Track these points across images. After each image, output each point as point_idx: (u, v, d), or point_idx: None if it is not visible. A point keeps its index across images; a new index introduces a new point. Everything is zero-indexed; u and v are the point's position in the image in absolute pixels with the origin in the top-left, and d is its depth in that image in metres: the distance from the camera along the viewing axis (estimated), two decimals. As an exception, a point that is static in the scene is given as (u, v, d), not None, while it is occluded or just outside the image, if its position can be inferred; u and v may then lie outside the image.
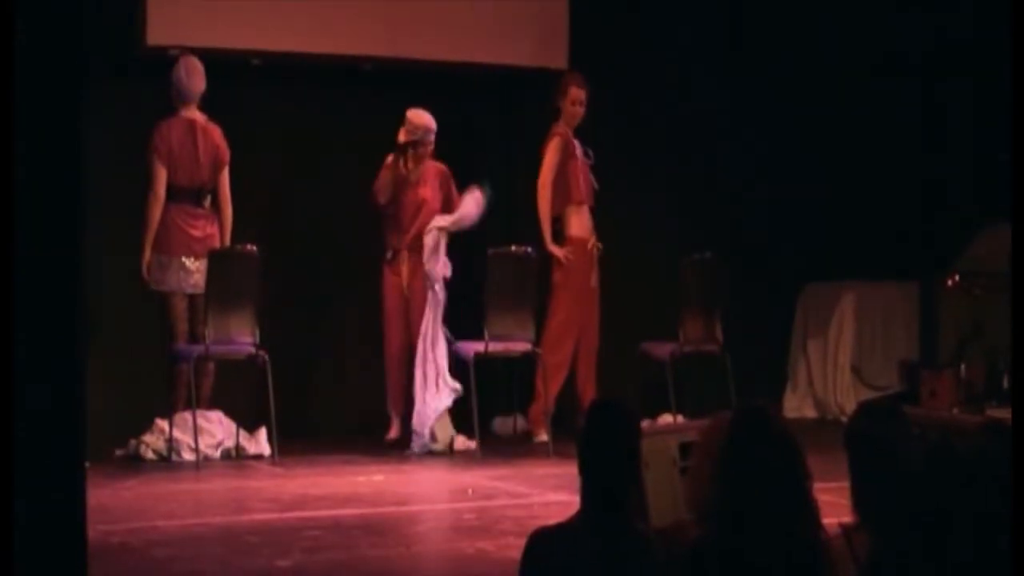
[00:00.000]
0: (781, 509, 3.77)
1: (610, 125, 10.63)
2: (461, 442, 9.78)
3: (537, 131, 10.25)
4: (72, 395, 3.90)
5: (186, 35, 9.78)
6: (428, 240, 9.75)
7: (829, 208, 11.69)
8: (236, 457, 9.42)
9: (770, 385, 11.40)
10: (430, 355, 9.68)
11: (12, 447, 3.74)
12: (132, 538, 7.03)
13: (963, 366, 10.62)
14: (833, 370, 11.54)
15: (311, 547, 6.89)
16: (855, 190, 11.69)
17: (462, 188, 9.99)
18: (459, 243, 9.88)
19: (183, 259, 9.45)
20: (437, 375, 9.66)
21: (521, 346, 9.85)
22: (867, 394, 11.16)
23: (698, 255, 10.34)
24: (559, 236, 10.21)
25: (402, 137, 9.82)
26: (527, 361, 10.07)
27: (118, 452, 9.32)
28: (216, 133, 9.56)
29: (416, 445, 9.67)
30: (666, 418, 10.10)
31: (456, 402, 9.72)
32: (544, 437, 9.94)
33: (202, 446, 9.22)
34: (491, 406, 10.40)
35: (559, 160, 10.17)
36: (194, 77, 9.48)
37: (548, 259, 10.10)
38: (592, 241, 10.29)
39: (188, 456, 9.23)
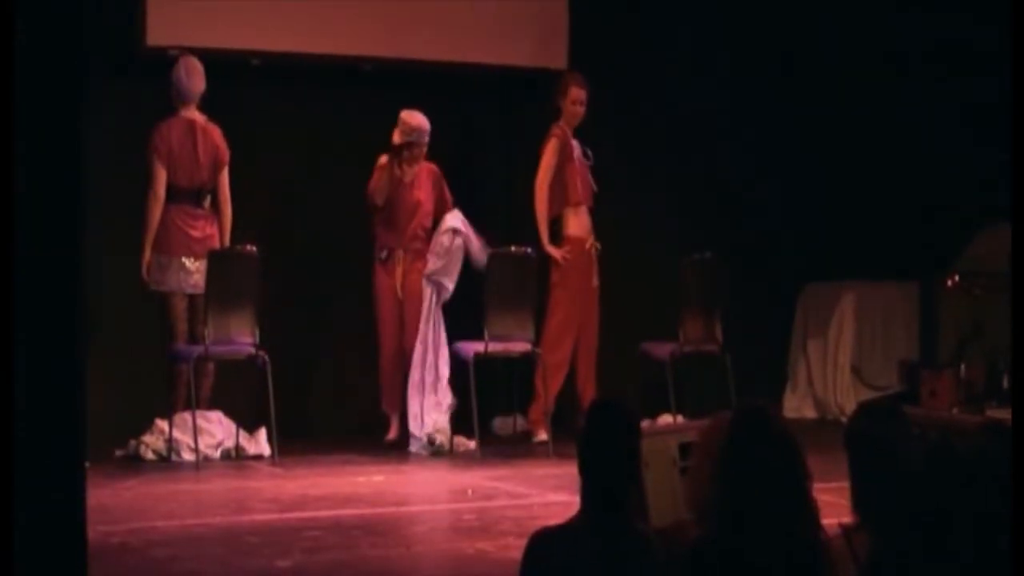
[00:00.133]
0: (781, 509, 3.77)
1: (610, 125, 10.63)
2: (461, 442, 9.78)
3: (537, 131, 10.25)
4: (72, 395, 3.90)
5: (186, 35, 9.78)
6: (444, 240, 9.74)
7: (829, 208, 11.69)
8: (236, 457, 9.42)
9: (770, 385, 11.40)
10: (430, 359, 9.67)
11: (12, 447, 3.74)
12: (132, 538, 7.02)
13: (963, 366, 10.61)
14: (833, 370, 11.54)
15: (311, 547, 6.89)
16: (855, 190, 11.69)
17: (462, 188, 9.97)
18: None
19: (183, 259, 9.45)
20: (436, 382, 9.66)
21: (521, 346, 9.85)
22: (867, 394, 11.15)
23: (698, 255, 10.34)
24: (557, 237, 10.22)
25: (396, 138, 9.81)
26: (527, 361, 10.07)
27: (118, 452, 9.32)
28: (216, 133, 9.56)
29: (415, 446, 9.68)
30: (666, 418, 10.11)
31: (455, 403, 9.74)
32: (544, 437, 9.93)
33: (202, 446, 9.22)
34: (491, 406, 10.40)
35: (556, 161, 10.16)
36: (194, 77, 9.48)
37: (547, 259, 10.11)
38: (590, 241, 10.28)
39: (188, 456, 9.23)
